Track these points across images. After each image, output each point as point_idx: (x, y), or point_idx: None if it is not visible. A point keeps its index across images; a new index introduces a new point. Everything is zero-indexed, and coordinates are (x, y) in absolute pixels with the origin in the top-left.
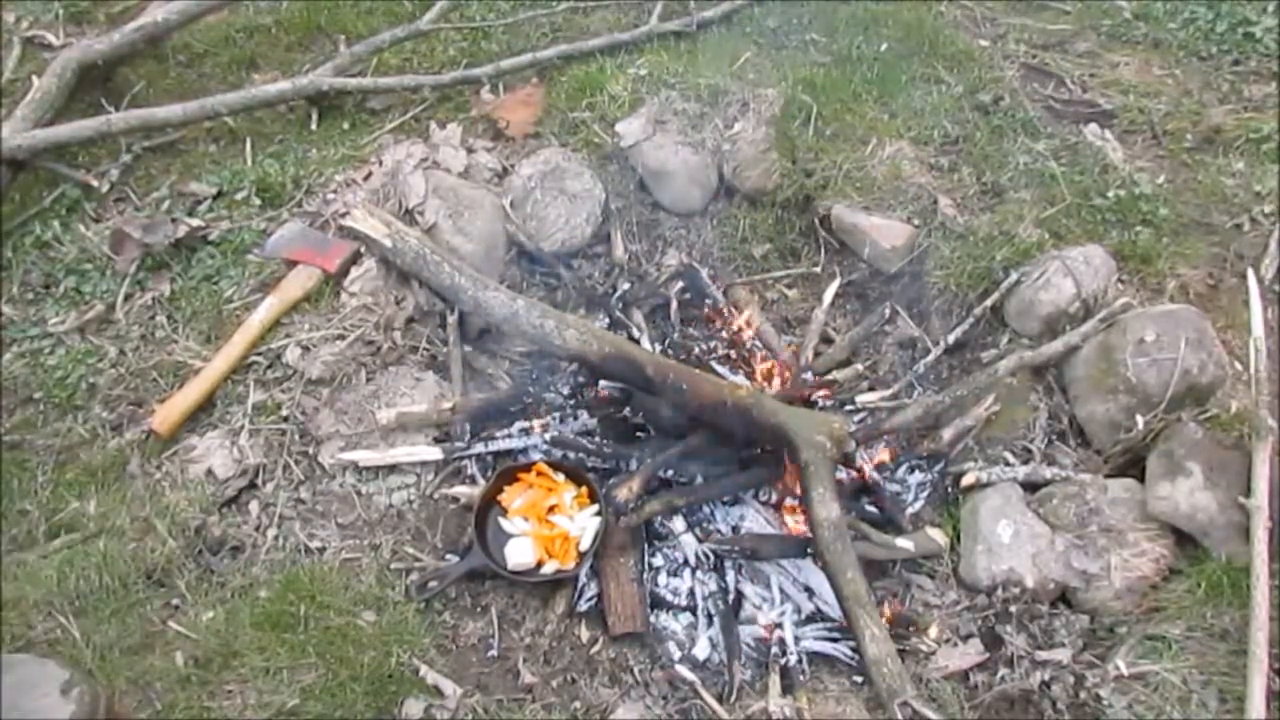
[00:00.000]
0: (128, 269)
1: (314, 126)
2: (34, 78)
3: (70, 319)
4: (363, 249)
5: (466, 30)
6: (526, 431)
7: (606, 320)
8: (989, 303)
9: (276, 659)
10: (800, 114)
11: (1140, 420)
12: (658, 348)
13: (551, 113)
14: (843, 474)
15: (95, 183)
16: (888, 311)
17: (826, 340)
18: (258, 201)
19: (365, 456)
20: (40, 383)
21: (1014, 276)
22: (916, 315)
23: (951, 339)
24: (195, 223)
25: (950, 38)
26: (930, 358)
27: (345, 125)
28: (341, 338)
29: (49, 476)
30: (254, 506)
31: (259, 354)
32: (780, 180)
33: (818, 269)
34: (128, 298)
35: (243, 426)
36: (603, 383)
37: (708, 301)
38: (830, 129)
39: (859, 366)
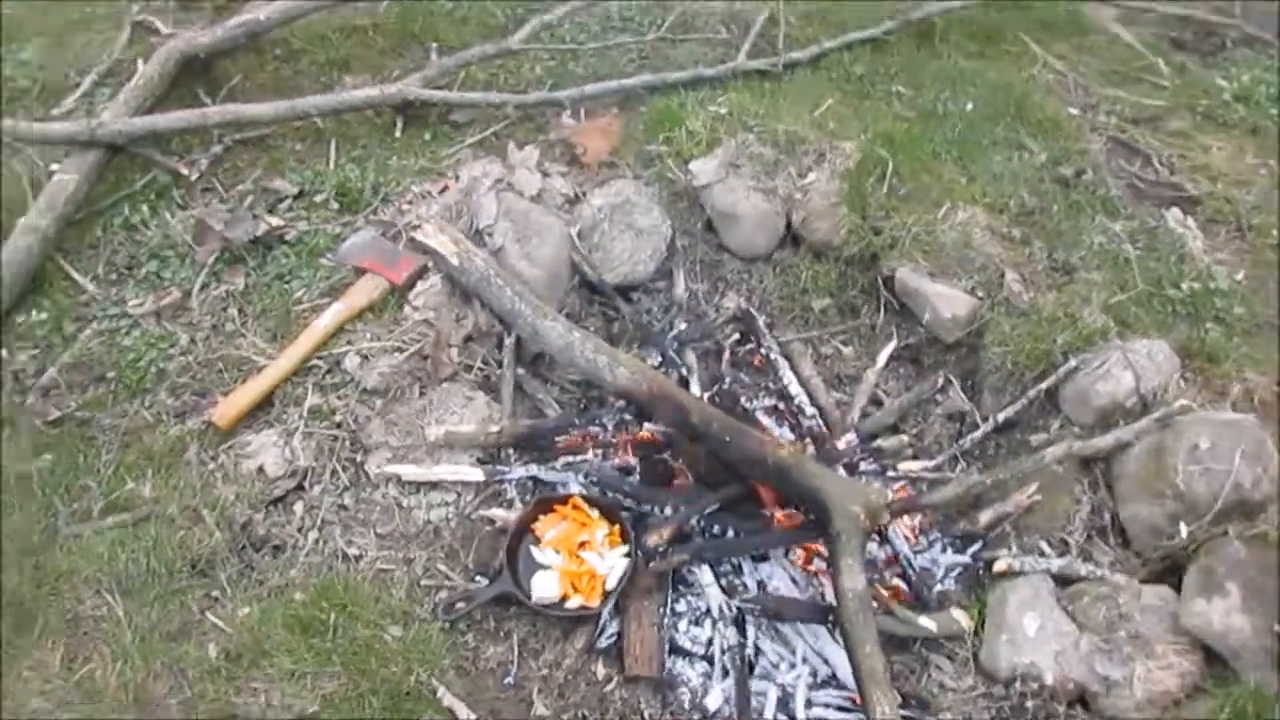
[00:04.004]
0: (206, 260)
1: (398, 134)
2: (139, 61)
3: (148, 302)
4: (430, 264)
5: (555, 51)
6: (568, 464)
7: (659, 358)
8: (1044, 385)
9: (303, 664)
10: (876, 170)
11: (1184, 529)
12: (706, 393)
13: (629, 143)
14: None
15: (185, 171)
16: (940, 381)
17: (876, 402)
18: (336, 205)
19: (410, 471)
20: (114, 362)
21: (1073, 362)
22: (969, 388)
23: (1002, 417)
24: (275, 222)
25: (1039, 104)
26: (978, 434)
27: (427, 135)
28: (400, 350)
29: (112, 456)
30: (299, 508)
31: (320, 358)
32: (848, 235)
33: (875, 329)
34: (203, 287)
35: (297, 428)
36: (648, 424)
37: (762, 349)
38: (905, 188)
39: (905, 436)
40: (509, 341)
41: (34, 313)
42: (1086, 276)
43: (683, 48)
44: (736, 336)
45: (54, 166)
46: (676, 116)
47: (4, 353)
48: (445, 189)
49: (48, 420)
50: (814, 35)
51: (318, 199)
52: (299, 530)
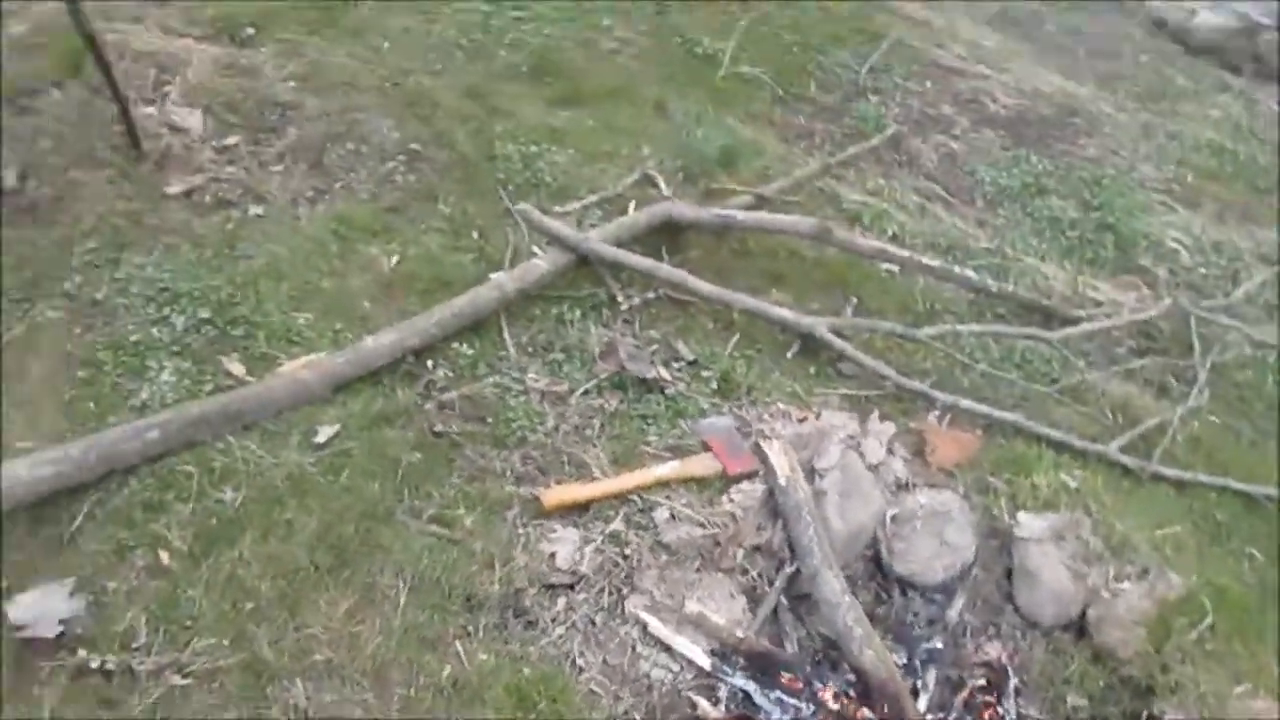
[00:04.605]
0: (600, 375)
1: (789, 355)
2: (633, 204)
3: (542, 382)
4: (761, 472)
5: (950, 356)
6: (780, 700)
7: (904, 659)
8: None
9: None
10: (1193, 615)
11: None
12: (930, 716)
13: (975, 465)
14: None
15: (620, 300)
16: None
17: None
18: (714, 386)
19: (656, 626)
20: (496, 413)
21: None
22: None
23: None
24: (664, 374)
25: None
26: None
27: (812, 369)
28: (701, 527)
29: (459, 481)
30: (562, 602)
31: (640, 497)
32: (1134, 656)
33: None
34: (585, 393)
35: (594, 542)
36: (865, 710)
37: (999, 708)
38: (1213, 645)
39: None
40: (788, 570)
41: (465, 346)
42: None
43: (1063, 410)
44: (982, 682)
45: (535, 250)
46: (1028, 466)
47: (429, 363)
48: (804, 419)
49: (433, 429)
50: (1193, 462)
51: (704, 374)
52: (552, 620)
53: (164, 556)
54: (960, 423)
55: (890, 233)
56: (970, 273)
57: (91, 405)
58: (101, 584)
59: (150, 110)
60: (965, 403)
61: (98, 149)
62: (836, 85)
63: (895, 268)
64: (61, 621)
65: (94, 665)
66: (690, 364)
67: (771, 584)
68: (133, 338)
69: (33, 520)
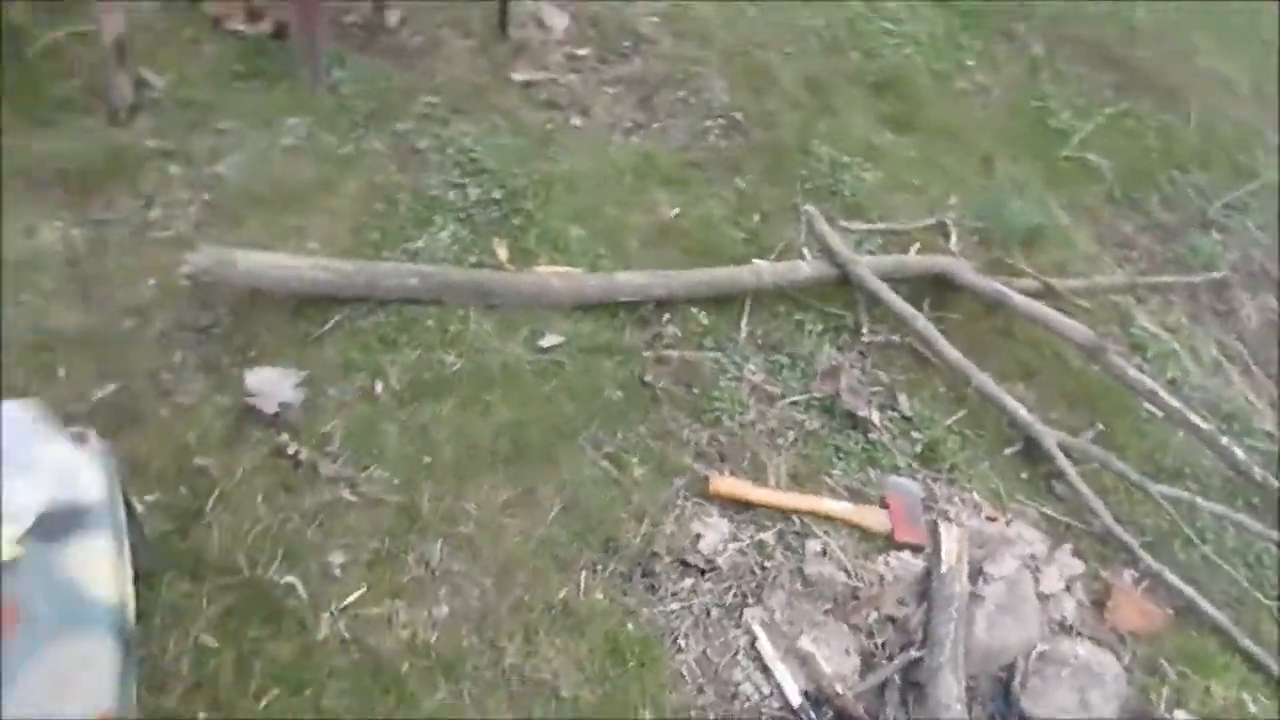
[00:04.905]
0: (814, 392)
1: (1006, 452)
2: (915, 246)
3: (759, 378)
4: (927, 550)
5: (1176, 524)
6: None
7: None
8: None
9: (586, 671)
10: None
11: None
12: None
13: (1153, 642)
14: None
15: (864, 332)
16: None
17: None
18: (918, 450)
19: (764, 645)
20: (703, 387)
21: None
22: None
23: None
24: (875, 419)
25: None
26: None
27: (1023, 474)
28: (847, 574)
29: (647, 431)
30: (688, 583)
31: (800, 519)
32: None
33: None
34: (794, 404)
35: (742, 541)
36: None
37: None
38: None
39: None
40: (913, 653)
41: (702, 314)
42: None
43: (1276, 630)
44: None
45: (805, 252)
46: (1211, 669)
47: (664, 317)
48: (993, 520)
49: (643, 377)
50: None
51: (914, 434)
52: (673, 594)
53: (378, 387)
54: (1156, 594)
55: (1170, 377)
56: (1238, 450)
57: (376, 235)
58: (323, 388)
59: (525, 0)
60: (1171, 577)
61: (470, 20)
62: (1181, 206)
63: (1159, 413)
64: (280, 404)
65: (289, 451)
66: (904, 419)
67: (891, 659)
68: (431, 192)
69: (295, 313)
